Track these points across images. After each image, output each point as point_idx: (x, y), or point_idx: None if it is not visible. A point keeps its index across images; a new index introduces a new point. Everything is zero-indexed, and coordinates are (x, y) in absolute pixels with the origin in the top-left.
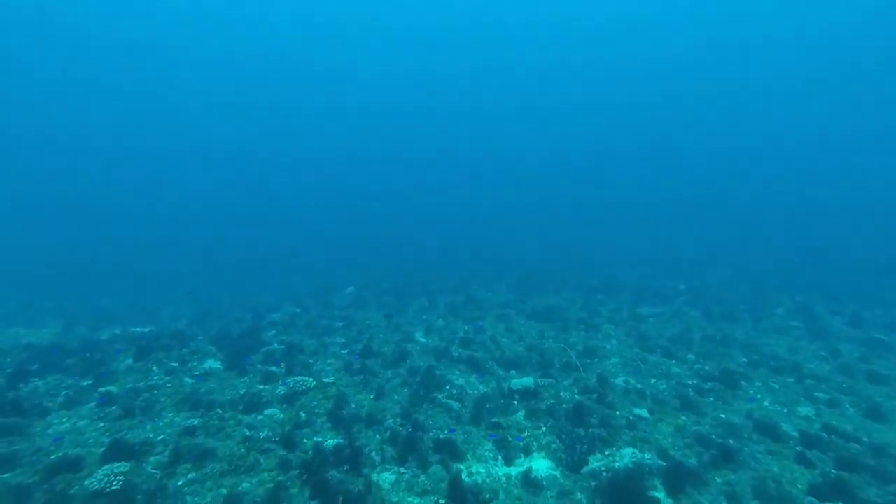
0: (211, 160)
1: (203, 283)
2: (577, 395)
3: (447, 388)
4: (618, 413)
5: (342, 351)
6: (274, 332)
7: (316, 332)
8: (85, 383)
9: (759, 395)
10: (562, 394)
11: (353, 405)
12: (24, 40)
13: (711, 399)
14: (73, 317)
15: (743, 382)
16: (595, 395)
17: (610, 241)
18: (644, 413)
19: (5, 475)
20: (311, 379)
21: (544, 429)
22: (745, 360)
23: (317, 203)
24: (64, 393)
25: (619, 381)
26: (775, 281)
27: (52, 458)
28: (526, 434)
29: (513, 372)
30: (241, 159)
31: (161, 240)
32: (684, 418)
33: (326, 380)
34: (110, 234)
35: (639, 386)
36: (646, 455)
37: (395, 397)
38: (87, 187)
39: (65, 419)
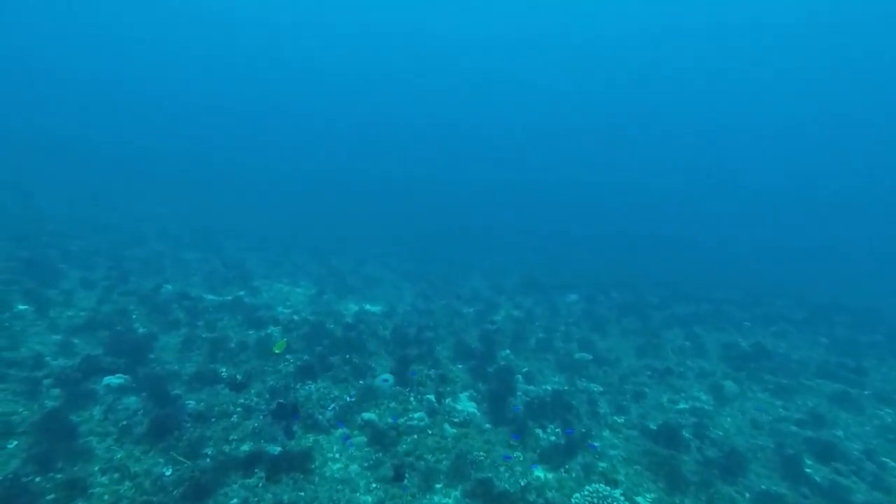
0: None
1: (400, 246)
2: None
3: None
4: None
5: (617, 418)
6: (508, 350)
7: (560, 361)
8: (349, 398)
9: None
10: None
11: None
12: None
13: None
14: (322, 279)
15: None
16: None
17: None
18: None
19: None
20: (618, 493)
21: None
22: None
23: (502, 177)
24: (332, 406)
25: None
26: None
27: None
28: None
29: None
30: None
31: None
32: None
33: (641, 500)
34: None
35: None
36: None
37: None
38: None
39: (337, 454)
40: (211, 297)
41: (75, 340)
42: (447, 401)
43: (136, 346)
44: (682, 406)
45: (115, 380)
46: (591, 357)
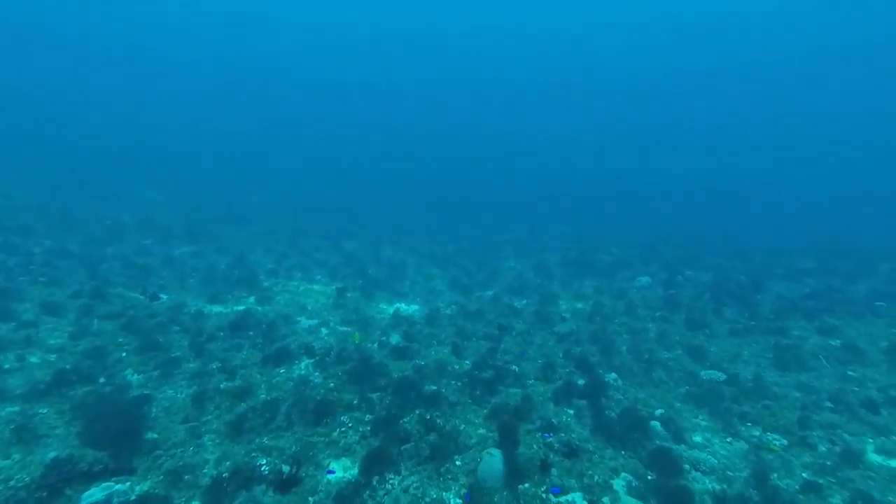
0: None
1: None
2: None
3: None
4: None
5: None
6: (613, 374)
7: (684, 385)
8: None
9: None
10: None
11: None
12: None
13: None
14: (339, 270)
15: None
16: None
17: None
18: None
19: None
20: None
21: None
22: None
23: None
24: None
25: None
26: None
27: None
28: None
29: None
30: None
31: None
32: None
33: None
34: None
35: None
36: None
37: None
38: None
39: None
40: (217, 308)
41: (41, 411)
42: (605, 503)
43: (127, 418)
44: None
45: (98, 494)
46: (722, 376)
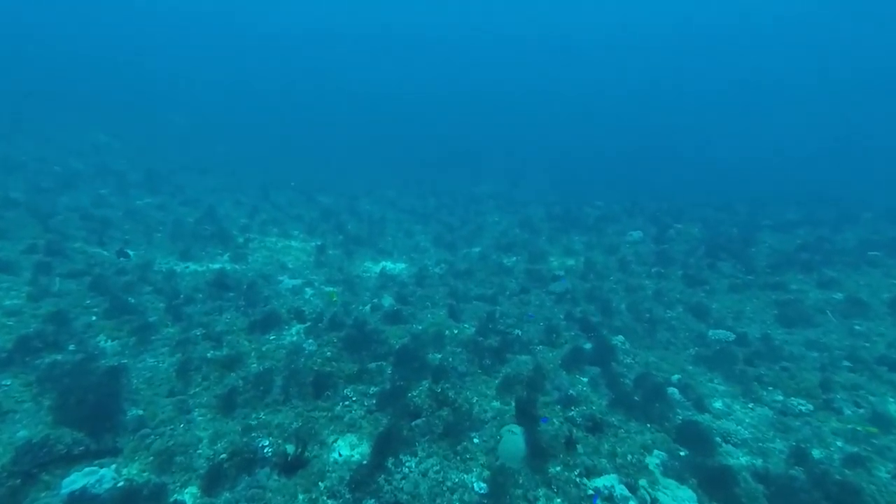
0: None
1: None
2: None
3: None
4: None
5: None
6: (621, 336)
7: (693, 347)
8: (477, 487)
9: None
10: None
11: None
12: None
13: None
14: (316, 226)
15: None
16: None
17: None
18: None
19: None
20: None
21: None
22: None
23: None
24: None
25: None
26: None
27: None
28: None
29: None
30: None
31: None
32: None
33: None
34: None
35: None
36: None
37: None
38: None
39: None
40: (191, 266)
41: (5, 383)
42: (643, 486)
43: (105, 391)
44: None
45: (80, 480)
46: (731, 336)
